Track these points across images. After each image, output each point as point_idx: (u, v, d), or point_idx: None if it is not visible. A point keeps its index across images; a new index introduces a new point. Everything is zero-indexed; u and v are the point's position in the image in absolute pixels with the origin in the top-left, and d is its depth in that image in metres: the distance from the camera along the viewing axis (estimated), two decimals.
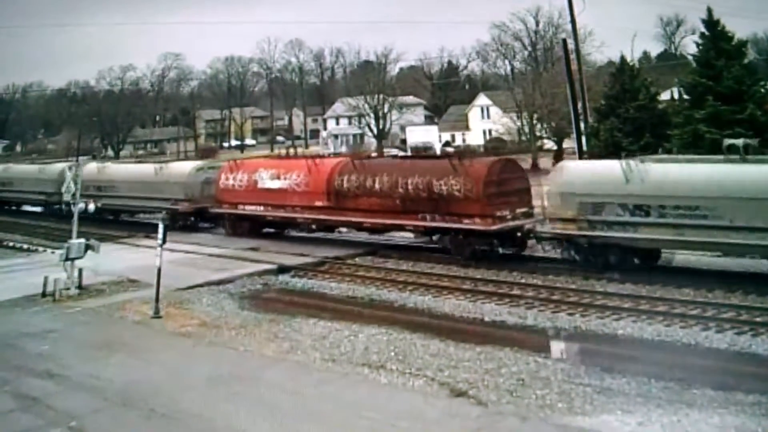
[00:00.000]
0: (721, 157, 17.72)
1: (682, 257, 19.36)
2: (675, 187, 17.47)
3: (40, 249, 27.19)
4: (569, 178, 19.70)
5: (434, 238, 22.50)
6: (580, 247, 19.16)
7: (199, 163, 33.52)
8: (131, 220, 33.44)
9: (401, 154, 51.89)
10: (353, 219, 23.67)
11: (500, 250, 21.01)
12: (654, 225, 17.70)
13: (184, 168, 31.06)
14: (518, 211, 20.78)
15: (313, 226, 25.19)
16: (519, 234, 20.87)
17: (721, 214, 16.62)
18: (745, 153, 17.14)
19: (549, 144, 54.22)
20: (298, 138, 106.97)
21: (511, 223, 20.63)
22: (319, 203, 24.30)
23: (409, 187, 22.08)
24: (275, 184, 25.56)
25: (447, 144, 75.16)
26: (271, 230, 26.70)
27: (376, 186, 22.86)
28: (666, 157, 20.29)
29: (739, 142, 17.55)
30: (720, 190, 16.71)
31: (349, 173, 23.82)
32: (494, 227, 20.40)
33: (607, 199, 18.43)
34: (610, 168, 19.12)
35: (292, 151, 73.21)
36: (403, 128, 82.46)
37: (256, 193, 25.98)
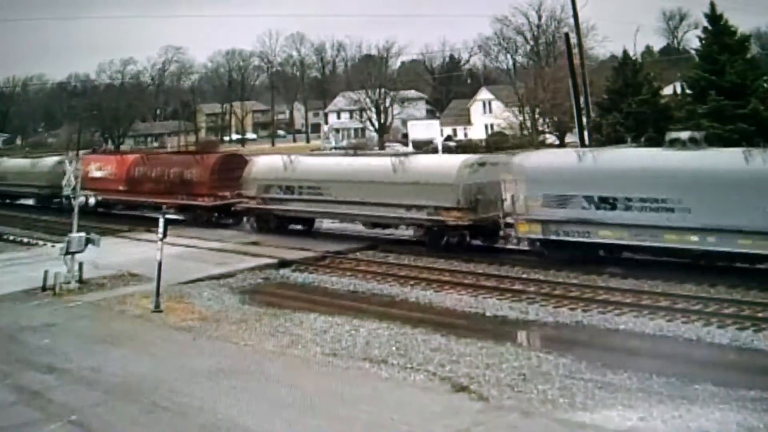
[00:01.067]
0: (343, 151, 24.34)
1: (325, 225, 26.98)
2: (307, 174, 25.22)
3: (41, 242, 27.19)
4: (255, 168, 27.17)
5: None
6: (258, 218, 26.57)
7: (61, 157, 39.44)
8: (131, 215, 33.81)
9: (403, 149, 51.95)
10: (140, 199, 31.74)
11: (218, 220, 28.78)
12: (297, 200, 25.20)
13: (48, 161, 38.13)
14: (236, 192, 27.33)
15: (119, 206, 32.88)
16: (233, 209, 27.83)
17: (331, 193, 23.88)
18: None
19: (551, 138, 54.13)
20: (299, 132, 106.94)
21: (228, 201, 27.81)
22: (121, 188, 32.32)
23: (171, 175, 30.13)
24: (98, 174, 32.86)
25: (449, 138, 75.02)
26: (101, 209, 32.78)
27: (154, 174, 31.11)
28: (317, 153, 30.45)
29: None
30: (329, 176, 24.35)
31: (140, 165, 32.36)
32: (214, 203, 28.30)
33: (273, 182, 25.87)
34: (277, 161, 27.03)
35: (293, 145, 73.04)
36: (404, 122, 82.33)
37: (87, 181, 32.01)
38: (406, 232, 23.65)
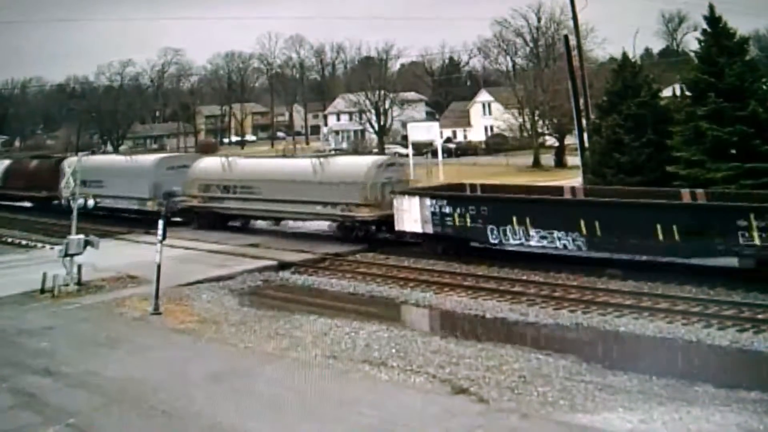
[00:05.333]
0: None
1: None
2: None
3: (39, 245, 27.15)
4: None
5: None
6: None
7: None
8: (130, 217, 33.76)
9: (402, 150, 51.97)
10: None
11: None
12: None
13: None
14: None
15: None
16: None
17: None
18: None
19: (551, 140, 54.08)
20: (299, 134, 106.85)
21: None
22: None
23: None
24: None
25: (448, 140, 75.04)
26: None
27: None
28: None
29: None
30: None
31: None
32: None
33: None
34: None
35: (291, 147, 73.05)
36: (404, 124, 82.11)
37: None
38: None
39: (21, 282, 19.36)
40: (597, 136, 25.92)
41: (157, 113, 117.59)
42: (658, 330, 14.07)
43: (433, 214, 21.36)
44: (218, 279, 19.92)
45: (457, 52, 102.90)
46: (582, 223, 18.42)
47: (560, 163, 49.84)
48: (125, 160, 33.15)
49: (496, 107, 70.20)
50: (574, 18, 29.29)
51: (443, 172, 37.28)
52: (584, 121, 28.09)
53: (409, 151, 39.87)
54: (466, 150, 68.02)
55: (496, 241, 20.31)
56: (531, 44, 75.78)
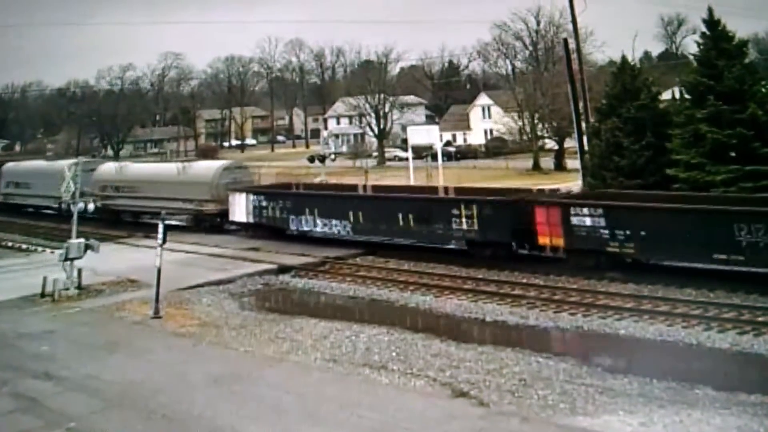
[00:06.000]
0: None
1: None
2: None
3: (39, 249, 27.16)
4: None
5: None
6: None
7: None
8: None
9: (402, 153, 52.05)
10: None
11: None
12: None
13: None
14: None
15: None
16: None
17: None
18: None
19: (550, 144, 54.10)
20: (299, 137, 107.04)
21: None
22: None
23: None
24: None
25: (448, 144, 75.10)
26: None
27: None
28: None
29: None
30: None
31: None
32: None
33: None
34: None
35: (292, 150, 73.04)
36: (404, 128, 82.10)
37: None
38: None
39: (21, 286, 19.37)
40: (596, 139, 25.92)
41: (158, 117, 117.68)
42: (658, 333, 14.08)
43: (255, 207, 26.25)
44: (218, 283, 19.92)
45: (456, 55, 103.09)
46: (350, 213, 23.44)
47: (560, 167, 49.87)
48: (47, 164, 37.17)
49: (496, 110, 70.26)
50: (574, 21, 29.34)
51: (443, 176, 37.27)
52: (584, 125, 28.11)
53: (409, 154, 39.89)
54: (466, 153, 68.10)
55: (294, 228, 25.22)
56: (530, 48, 75.59)
